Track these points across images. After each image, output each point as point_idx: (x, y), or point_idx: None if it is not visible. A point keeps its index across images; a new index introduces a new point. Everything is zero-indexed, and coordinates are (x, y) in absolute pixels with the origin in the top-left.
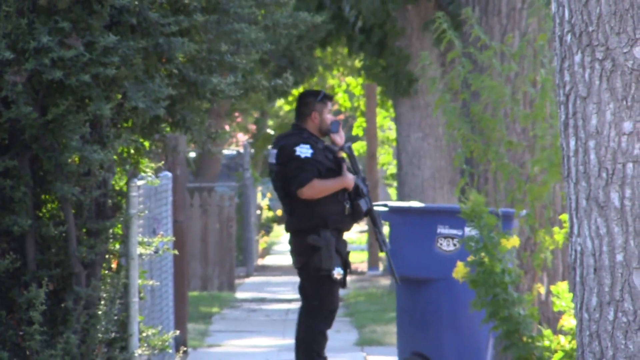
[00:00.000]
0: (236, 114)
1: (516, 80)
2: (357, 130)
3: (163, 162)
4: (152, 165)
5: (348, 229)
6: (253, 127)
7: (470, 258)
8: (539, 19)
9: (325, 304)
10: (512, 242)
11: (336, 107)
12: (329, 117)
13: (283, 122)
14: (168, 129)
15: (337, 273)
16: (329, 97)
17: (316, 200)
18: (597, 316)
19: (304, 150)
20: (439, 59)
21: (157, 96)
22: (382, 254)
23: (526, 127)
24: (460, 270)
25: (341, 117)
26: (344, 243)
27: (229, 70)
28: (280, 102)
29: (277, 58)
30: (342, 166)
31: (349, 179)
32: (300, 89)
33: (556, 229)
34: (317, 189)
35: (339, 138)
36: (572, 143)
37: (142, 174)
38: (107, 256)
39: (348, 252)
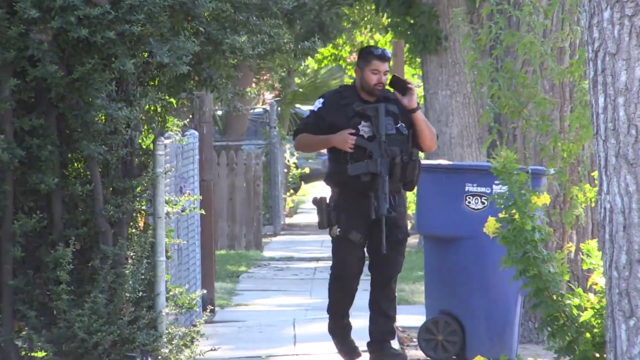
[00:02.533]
0: (263, 72)
1: (550, 36)
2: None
3: (189, 120)
4: (179, 123)
5: (356, 190)
6: (278, 86)
7: (501, 215)
8: None
9: (335, 264)
10: (543, 199)
11: None
12: (372, 77)
13: (310, 81)
14: (193, 86)
15: (334, 231)
16: (375, 55)
17: (330, 156)
18: (626, 274)
19: (315, 104)
20: (467, 16)
21: (182, 52)
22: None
23: (555, 84)
24: (491, 226)
25: None
26: (358, 203)
27: (254, 32)
28: (308, 61)
29: (306, 22)
30: (353, 125)
31: (336, 139)
32: (330, 47)
33: (587, 186)
34: (301, 142)
35: (406, 100)
36: (601, 100)
37: (170, 132)
38: (134, 215)
39: (385, 215)
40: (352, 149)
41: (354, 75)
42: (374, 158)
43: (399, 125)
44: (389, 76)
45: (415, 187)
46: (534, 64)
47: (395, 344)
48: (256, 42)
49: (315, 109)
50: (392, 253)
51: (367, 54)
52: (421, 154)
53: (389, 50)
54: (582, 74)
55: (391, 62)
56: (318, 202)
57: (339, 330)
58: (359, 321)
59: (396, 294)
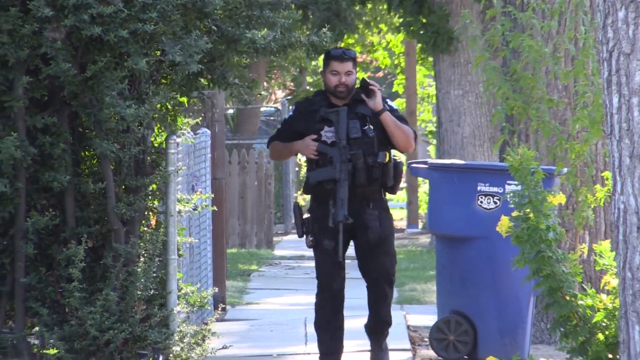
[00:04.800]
0: (275, 71)
1: (556, 37)
2: (397, 88)
3: (201, 119)
4: (190, 122)
5: (322, 197)
6: (291, 84)
7: (514, 214)
8: None
9: (316, 272)
10: (559, 199)
11: (375, 64)
12: (332, 78)
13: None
14: (206, 84)
15: (307, 240)
16: (333, 56)
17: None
18: None
19: (290, 113)
20: (479, 15)
21: (194, 50)
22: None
23: (568, 85)
24: (504, 224)
25: (379, 74)
26: (328, 210)
27: (268, 27)
28: (320, 59)
29: (321, 12)
30: (316, 130)
31: (299, 146)
32: (342, 46)
33: (597, 186)
34: (272, 151)
35: (371, 102)
36: (615, 100)
37: (180, 131)
38: (146, 213)
39: (342, 221)
40: (316, 155)
41: (365, 74)
42: (334, 164)
43: (365, 127)
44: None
45: (396, 190)
46: (536, 67)
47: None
48: (270, 38)
49: (287, 118)
50: (370, 255)
51: (326, 56)
52: (434, 152)
53: (353, 50)
54: (585, 74)
55: (403, 62)
56: (294, 209)
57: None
58: (356, 321)
59: (390, 297)
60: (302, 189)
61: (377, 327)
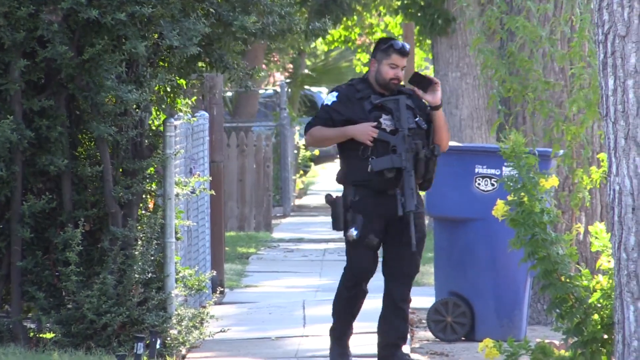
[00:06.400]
0: (273, 53)
1: (553, 19)
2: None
3: (195, 96)
4: (189, 102)
5: (378, 187)
6: (290, 67)
7: (510, 197)
8: None
9: (348, 264)
10: (551, 182)
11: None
12: (389, 71)
13: (321, 63)
14: (204, 67)
15: (350, 234)
16: (395, 49)
17: (344, 153)
18: (635, 256)
19: (328, 97)
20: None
21: (192, 34)
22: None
23: (564, 67)
24: (499, 209)
25: None
26: (376, 202)
27: (265, 14)
28: (317, 42)
29: None
30: (374, 118)
31: (357, 130)
32: (340, 29)
33: (593, 168)
34: (315, 137)
35: (430, 97)
36: (611, 82)
37: (179, 113)
38: (143, 196)
39: (412, 211)
40: (372, 142)
41: (362, 58)
42: (398, 152)
43: (417, 119)
44: (411, 73)
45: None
46: (533, 48)
47: (406, 348)
48: (267, 23)
49: (329, 103)
50: (403, 255)
51: (388, 47)
52: None
53: (408, 45)
54: (581, 56)
55: None
56: (332, 202)
57: (339, 334)
58: (370, 302)
59: (408, 302)
60: (336, 177)
61: (401, 339)
